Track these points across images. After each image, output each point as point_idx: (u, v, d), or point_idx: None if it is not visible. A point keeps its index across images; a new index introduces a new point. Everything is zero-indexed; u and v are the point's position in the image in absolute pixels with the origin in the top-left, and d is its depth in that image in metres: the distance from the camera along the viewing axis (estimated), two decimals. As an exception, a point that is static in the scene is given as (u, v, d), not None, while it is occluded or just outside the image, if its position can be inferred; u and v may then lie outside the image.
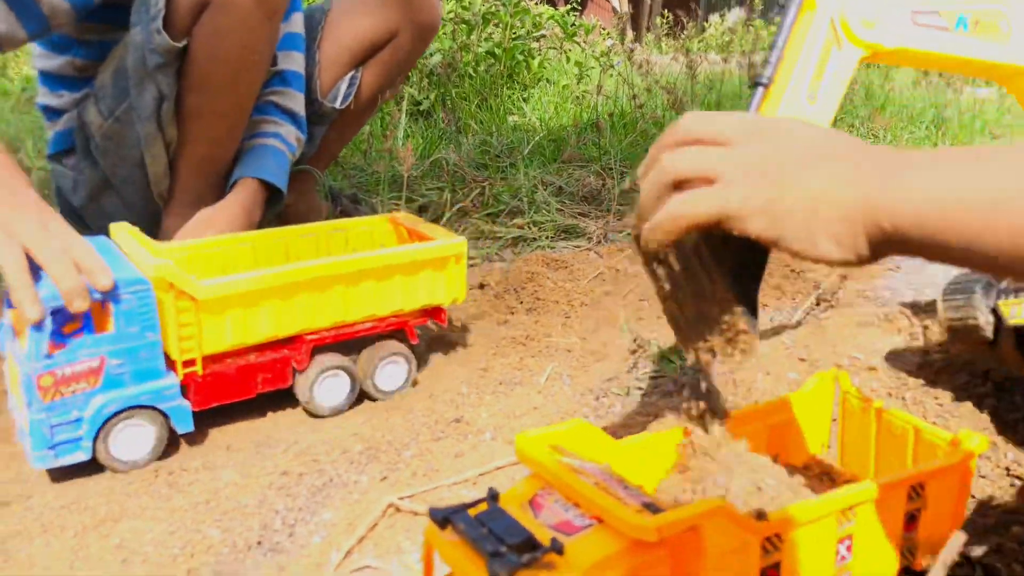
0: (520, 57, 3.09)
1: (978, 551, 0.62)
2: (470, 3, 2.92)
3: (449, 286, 0.99)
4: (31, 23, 1.02)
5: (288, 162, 1.29)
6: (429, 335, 1.13)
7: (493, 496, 0.47)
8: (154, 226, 1.28)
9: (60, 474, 0.81)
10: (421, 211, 1.66)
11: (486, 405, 0.95)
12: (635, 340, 1.04)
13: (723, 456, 0.57)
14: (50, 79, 1.27)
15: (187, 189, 1.24)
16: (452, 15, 2.84)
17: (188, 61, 1.13)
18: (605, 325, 1.17)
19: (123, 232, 0.93)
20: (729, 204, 0.45)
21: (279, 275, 0.87)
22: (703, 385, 0.59)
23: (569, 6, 12.07)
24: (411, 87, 2.57)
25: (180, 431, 0.84)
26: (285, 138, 1.30)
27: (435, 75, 2.61)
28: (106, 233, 0.96)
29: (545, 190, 1.78)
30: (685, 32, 9.40)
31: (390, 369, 0.97)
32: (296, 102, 1.34)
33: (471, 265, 1.44)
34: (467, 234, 1.58)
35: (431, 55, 2.57)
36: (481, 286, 1.31)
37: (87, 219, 1.31)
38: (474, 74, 2.71)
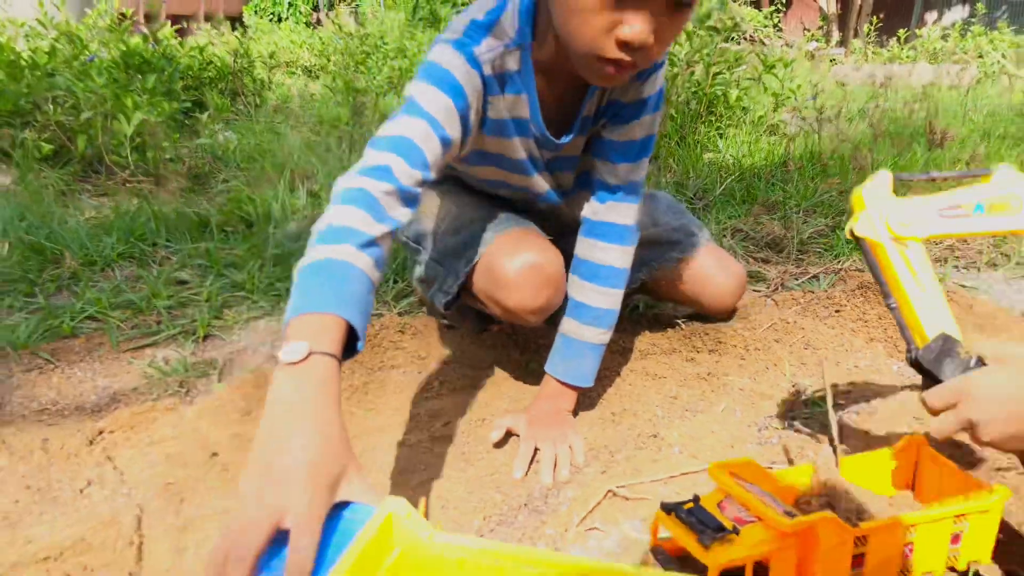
0: (719, 92, 3.36)
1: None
2: (674, 54, 3.21)
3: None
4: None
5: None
6: (626, 360, 1.49)
7: (697, 499, 0.83)
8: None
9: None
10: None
11: (675, 427, 1.30)
12: (794, 386, 1.35)
13: (834, 486, 0.90)
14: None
15: None
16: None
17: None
18: (773, 369, 1.48)
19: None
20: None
21: None
22: (836, 435, 0.92)
23: (773, 7, 11.90)
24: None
25: None
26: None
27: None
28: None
29: (732, 237, 2.09)
30: (895, 39, 9.03)
31: None
32: None
33: (670, 304, 1.79)
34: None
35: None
36: (678, 326, 1.66)
37: None
38: (675, 114, 3.03)
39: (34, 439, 1.24)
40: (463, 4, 11.38)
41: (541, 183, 1.31)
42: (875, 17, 10.40)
